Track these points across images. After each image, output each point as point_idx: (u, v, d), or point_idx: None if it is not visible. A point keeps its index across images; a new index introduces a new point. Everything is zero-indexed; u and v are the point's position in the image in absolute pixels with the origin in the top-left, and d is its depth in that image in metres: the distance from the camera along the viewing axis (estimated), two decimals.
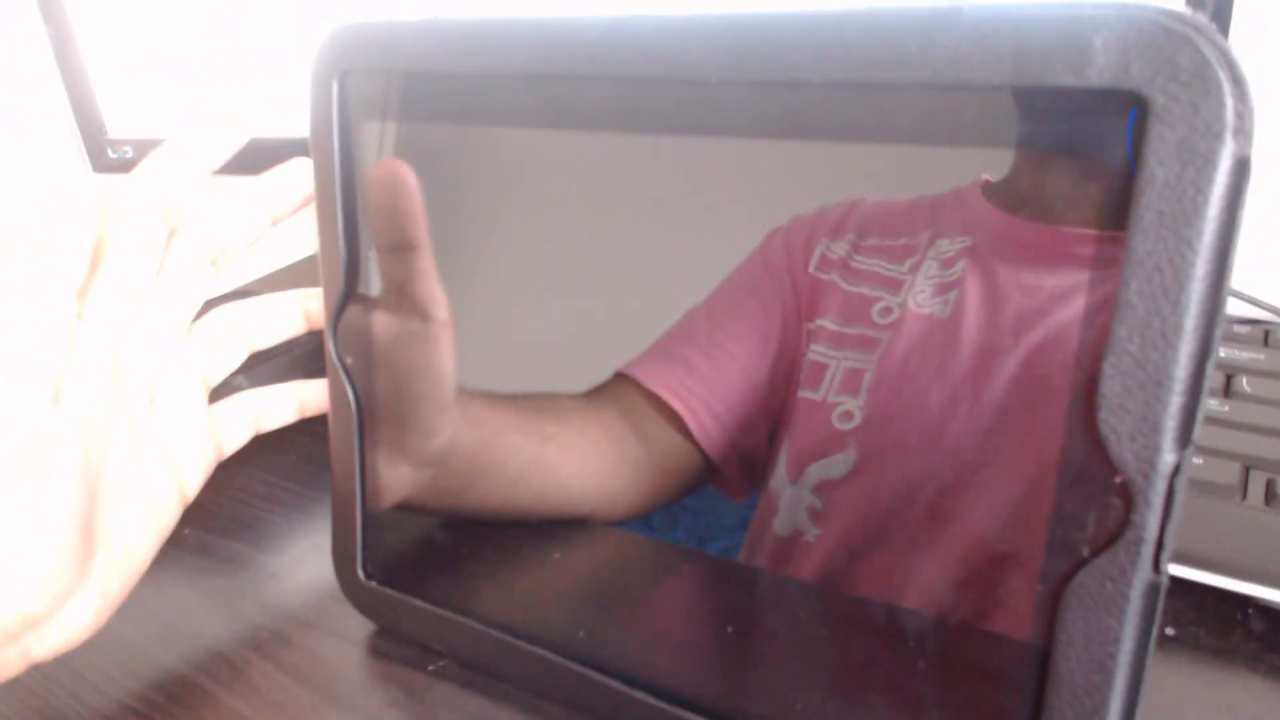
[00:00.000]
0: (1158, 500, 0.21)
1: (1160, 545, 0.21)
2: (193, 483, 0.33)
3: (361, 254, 0.31)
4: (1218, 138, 0.19)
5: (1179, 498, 0.21)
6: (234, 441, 0.35)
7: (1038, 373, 0.22)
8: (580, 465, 0.30)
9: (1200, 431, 0.21)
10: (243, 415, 0.35)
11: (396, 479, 0.32)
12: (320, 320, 0.34)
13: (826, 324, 0.25)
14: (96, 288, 0.29)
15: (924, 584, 0.25)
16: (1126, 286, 0.20)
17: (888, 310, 0.25)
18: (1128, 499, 0.21)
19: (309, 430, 0.49)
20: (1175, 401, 0.20)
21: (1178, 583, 0.34)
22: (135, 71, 0.60)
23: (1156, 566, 0.22)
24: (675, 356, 0.28)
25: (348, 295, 0.32)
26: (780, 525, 0.27)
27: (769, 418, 0.27)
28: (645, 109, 0.27)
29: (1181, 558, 0.34)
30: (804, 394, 0.26)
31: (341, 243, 0.31)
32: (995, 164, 0.23)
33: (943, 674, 0.25)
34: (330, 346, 0.33)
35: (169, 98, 0.58)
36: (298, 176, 0.33)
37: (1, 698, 0.34)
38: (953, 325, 0.24)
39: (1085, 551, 0.22)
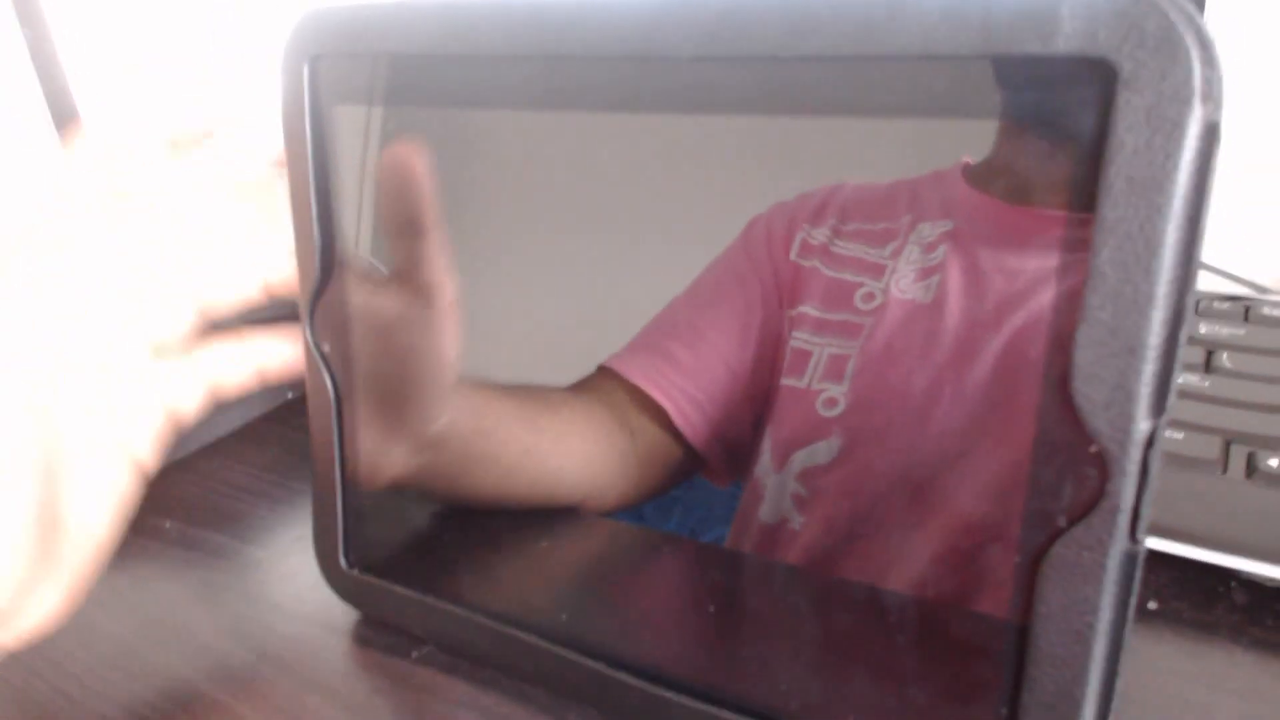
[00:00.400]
0: (1133, 468, 0.21)
1: (1137, 514, 0.21)
2: (148, 454, 0.31)
3: (337, 240, 0.31)
4: (1186, 103, 0.19)
5: (1155, 466, 0.21)
6: (189, 406, 0.33)
7: (1019, 353, 0.22)
8: (571, 456, 0.30)
9: (1175, 399, 0.21)
10: (196, 378, 0.33)
11: (390, 461, 0.31)
12: (281, 291, 0.33)
13: (809, 310, 0.25)
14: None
15: (907, 564, 0.25)
16: (1097, 254, 0.20)
17: (870, 296, 0.24)
18: (1103, 468, 0.21)
19: (291, 422, 0.50)
20: (1149, 369, 0.20)
21: (1159, 557, 0.34)
22: (114, 72, 0.60)
23: (1134, 535, 0.22)
24: (657, 348, 0.28)
25: (323, 282, 0.32)
26: (766, 513, 0.27)
27: (753, 406, 0.27)
28: (622, 88, 0.26)
29: (1163, 531, 0.34)
30: (787, 381, 0.26)
31: (315, 229, 0.31)
32: (972, 140, 0.23)
33: (924, 649, 0.25)
34: (307, 333, 0.33)
35: (150, 98, 0.57)
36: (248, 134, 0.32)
37: None
38: (935, 310, 0.24)
39: (1062, 522, 0.22)
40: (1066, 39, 0.20)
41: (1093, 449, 0.21)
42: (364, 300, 0.30)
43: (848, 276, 0.25)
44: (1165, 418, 0.21)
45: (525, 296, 0.31)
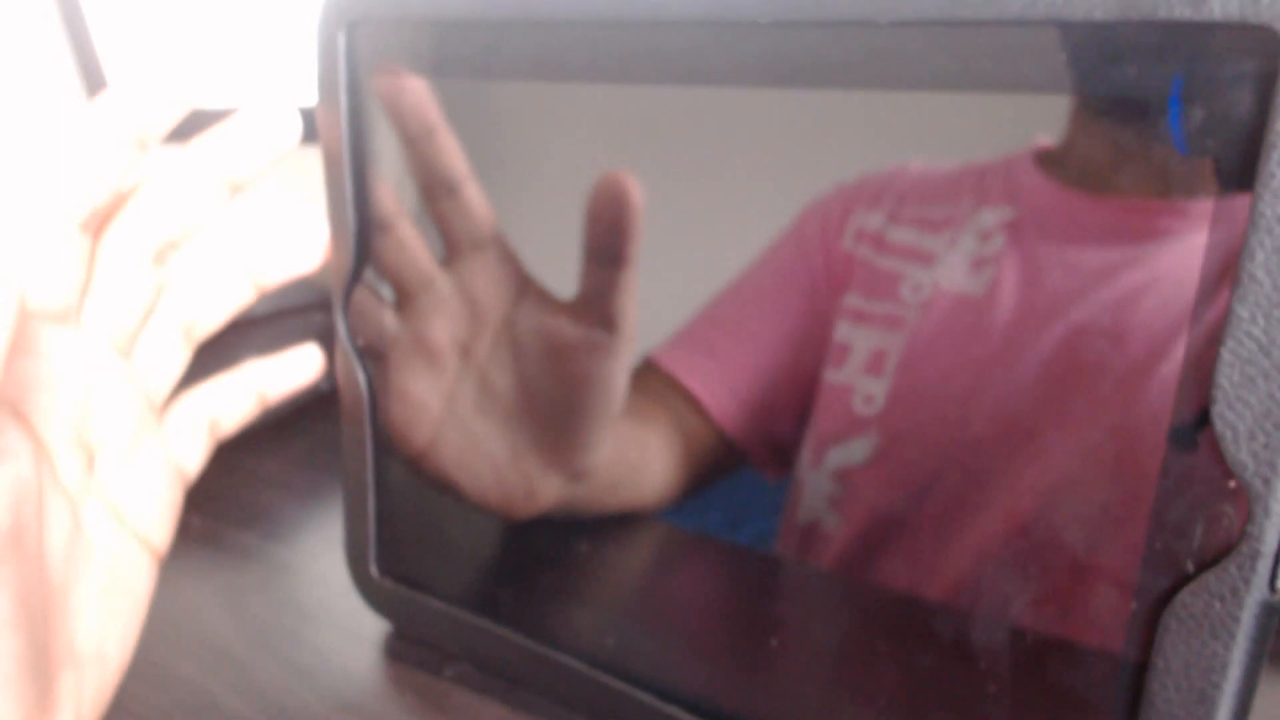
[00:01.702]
0: (1279, 509, 0.18)
1: (1278, 561, 0.18)
2: (161, 532, 0.27)
3: (373, 223, 0.29)
4: None
5: None
6: (194, 460, 0.29)
7: (1101, 357, 0.20)
8: (656, 463, 0.28)
9: None
10: (196, 425, 0.28)
11: (545, 490, 0.28)
12: (271, 283, 0.29)
13: (854, 301, 0.23)
14: None
15: (959, 580, 0.23)
16: (1251, 259, 0.17)
17: (918, 287, 0.22)
18: (1243, 507, 0.18)
19: (324, 414, 0.47)
20: None
21: None
22: (142, 39, 0.58)
23: (1273, 585, 0.19)
24: (699, 340, 0.26)
25: (359, 269, 0.30)
26: (803, 513, 0.25)
27: (797, 400, 0.25)
28: (688, 58, 0.24)
29: None
30: (828, 375, 0.24)
31: (351, 210, 0.29)
32: (1078, 119, 0.20)
33: (1007, 689, 0.23)
34: (341, 327, 0.31)
35: (178, 67, 0.56)
36: (254, 125, 0.27)
37: None
38: (988, 305, 0.21)
39: (1190, 567, 0.19)
40: (1224, 3, 0.17)
41: (1232, 484, 0.18)
42: (540, 322, 0.27)
43: (896, 265, 0.23)
44: None
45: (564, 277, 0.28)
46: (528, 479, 0.27)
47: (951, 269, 0.22)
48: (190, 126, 0.55)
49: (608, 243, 0.25)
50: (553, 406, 0.27)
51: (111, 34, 0.61)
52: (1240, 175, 0.17)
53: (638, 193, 0.24)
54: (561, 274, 0.28)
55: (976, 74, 0.20)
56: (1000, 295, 0.21)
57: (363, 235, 0.29)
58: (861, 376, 0.23)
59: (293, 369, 0.31)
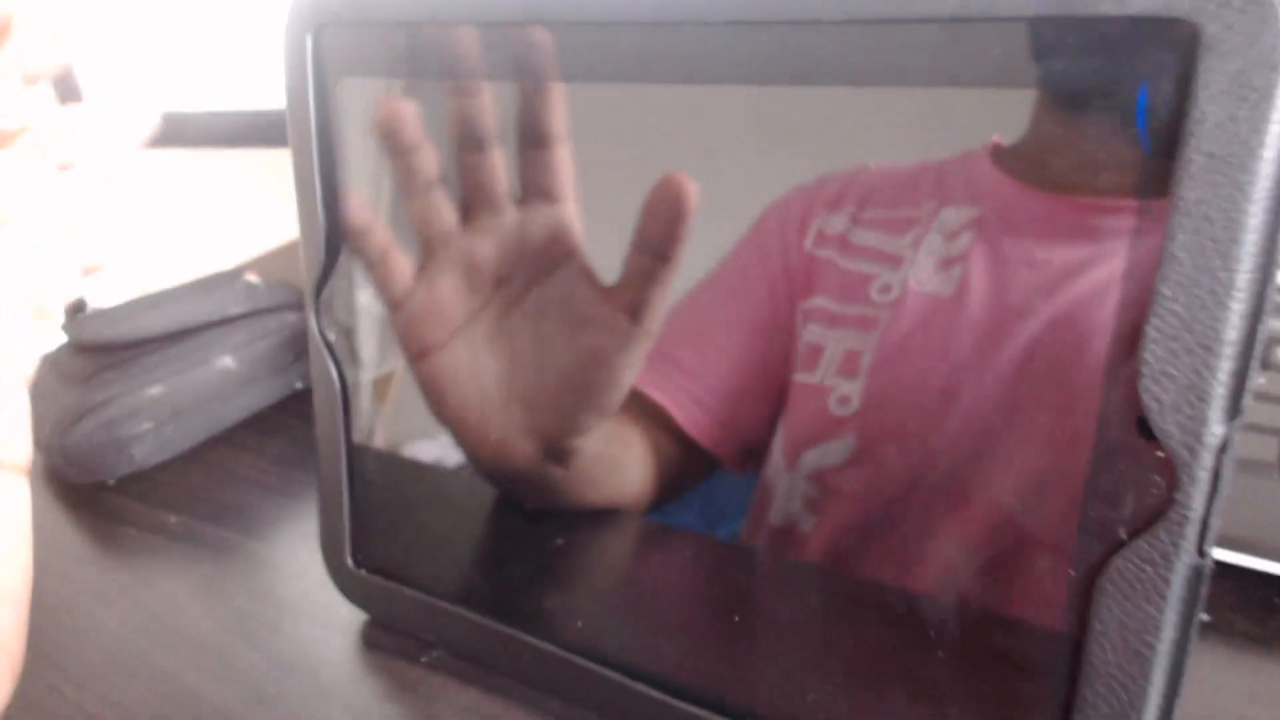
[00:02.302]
0: (1204, 476, 0.19)
1: (1205, 526, 0.20)
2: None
3: (343, 220, 0.30)
4: (1276, 70, 0.17)
5: (1227, 474, 0.19)
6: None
7: (1058, 349, 0.21)
8: (632, 465, 0.28)
9: (1249, 402, 0.19)
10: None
11: (522, 453, 0.28)
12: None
13: (822, 303, 0.24)
14: None
15: (931, 570, 0.23)
16: (1172, 239, 0.18)
17: (887, 288, 0.23)
18: (1171, 475, 0.19)
19: (300, 413, 0.48)
20: (1225, 367, 0.18)
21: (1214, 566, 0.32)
22: (113, 43, 0.59)
23: (1201, 549, 0.20)
24: (662, 351, 0.26)
25: (329, 266, 0.30)
26: (775, 515, 0.25)
27: (766, 403, 0.25)
28: (647, 56, 0.25)
29: (1217, 539, 0.32)
30: (800, 377, 0.24)
31: (320, 209, 0.29)
32: (1013, 113, 0.21)
33: (963, 663, 0.24)
34: (312, 322, 0.31)
35: (147, 70, 0.56)
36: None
37: None
38: (957, 304, 0.22)
39: (1122, 533, 0.20)
40: None
41: (1160, 455, 0.19)
42: (571, 293, 0.27)
43: (864, 267, 0.23)
44: (1239, 421, 0.19)
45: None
46: (510, 432, 0.27)
47: (920, 269, 0.22)
48: (170, 131, 0.56)
49: (657, 237, 0.25)
50: (561, 376, 0.26)
51: (87, 41, 0.61)
52: (1154, 168, 0.19)
53: (695, 198, 0.24)
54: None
55: (926, 70, 0.21)
56: (970, 293, 0.22)
57: (332, 233, 0.30)
58: (836, 378, 0.24)
59: None
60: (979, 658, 0.23)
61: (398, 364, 0.31)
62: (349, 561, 0.33)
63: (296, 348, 0.48)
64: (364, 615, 0.34)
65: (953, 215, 0.22)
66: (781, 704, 0.26)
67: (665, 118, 0.25)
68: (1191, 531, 0.19)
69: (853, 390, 0.24)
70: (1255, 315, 0.18)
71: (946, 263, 0.22)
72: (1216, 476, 0.19)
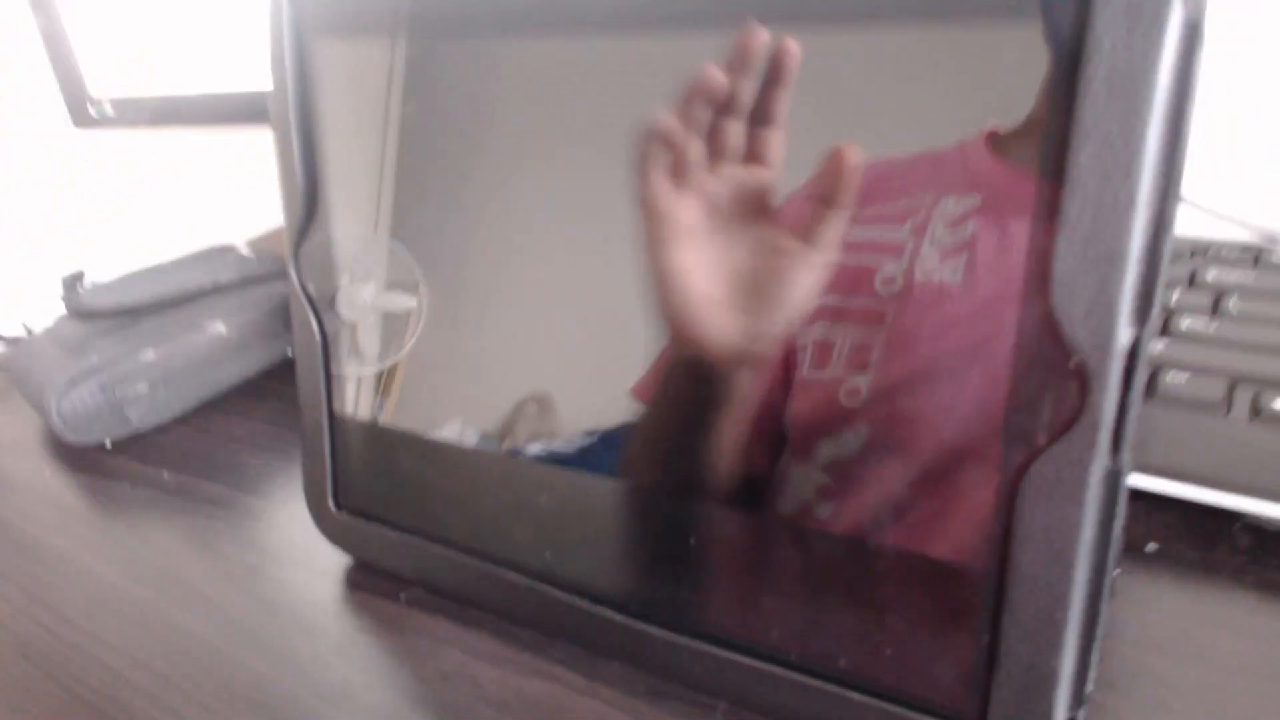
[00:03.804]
0: (1114, 381, 0.20)
1: (1120, 429, 0.21)
2: None
3: (321, 177, 0.31)
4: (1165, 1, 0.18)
5: (1138, 379, 0.20)
6: None
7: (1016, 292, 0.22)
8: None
9: (1158, 311, 0.20)
10: None
11: (722, 361, 0.27)
12: None
13: (826, 301, 0.25)
14: None
15: (894, 496, 0.25)
16: (1075, 159, 0.20)
17: (890, 280, 0.24)
18: (1084, 382, 0.21)
19: (291, 378, 0.49)
20: (1130, 275, 0.20)
21: (1161, 499, 0.34)
22: (112, 28, 0.60)
23: (1116, 451, 0.21)
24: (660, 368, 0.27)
25: (308, 220, 0.32)
26: (786, 504, 0.26)
27: (770, 404, 0.26)
28: (640, 5, 0.26)
29: (1165, 472, 0.33)
30: (811, 373, 0.25)
31: (299, 165, 0.31)
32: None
33: (901, 579, 0.25)
34: (293, 273, 0.33)
35: (145, 54, 0.58)
36: None
37: None
38: (964, 292, 0.23)
39: (1041, 440, 0.21)
40: None
41: (1072, 363, 0.21)
42: (769, 229, 0.26)
43: (865, 261, 0.24)
44: (1149, 329, 0.20)
45: (536, 249, 0.30)
46: (718, 328, 0.26)
47: (925, 259, 0.23)
48: (165, 110, 0.57)
49: (830, 191, 0.24)
50: (759, 290, 0.26)
51: (84, 23, 0.62)
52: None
53: (860, 162, 0.24)
54: (509, 230, 0.30)
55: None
56: (977, 280, 0.22)
57: (310, 190, 0.31)
58: (845, 371, 0.25)
59: None
60: (917, 574, 0.25)
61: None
62: (331, 504, 0.34)
63: (288, 316, 0.49)
64: (347, 559, 0.35)
65: (954, 204, 0.23)
66: (733, 621, 0.27)
67: (665, 69, 0.26)
68: (1104, 435, 0.21)
69: (862, 382, 0.24)
70: (1158, 228, 0.20)
71: (951, 251, 0.23)
72: (1128, 381, 0.20)
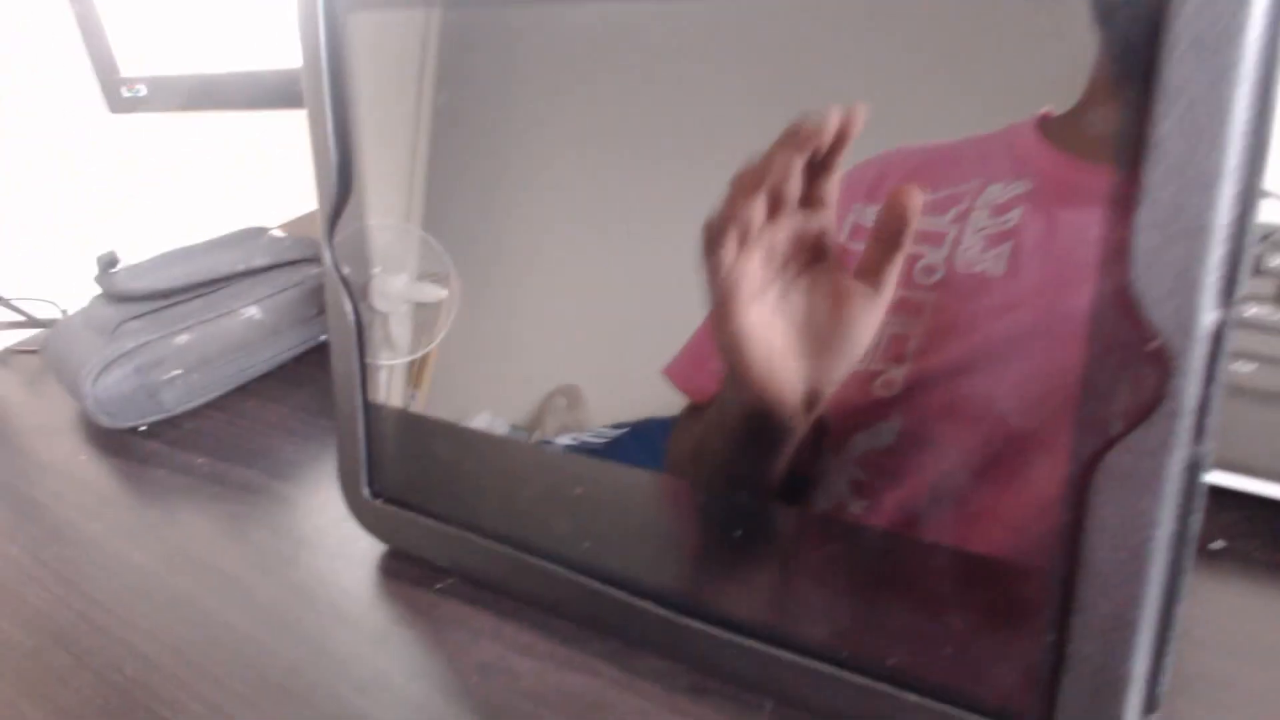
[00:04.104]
0: (1197, 364, 0.19)
1: (1202, 417, 0.19)
2: None
3: (355, 155, 0.30)
4: None
5: (1222, 363, 0.19)
6: None
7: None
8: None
9: (1244, 289, 0.19)
10: None
11: (786, 406, 0.27)
12: None
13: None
14: None
15: (942, 489, 0.23)
16: (1157, 126, 0.18)
17: (931, 269, 0.23)
18: (1164, 366, 0.19)
19: (323, 364, 0.49)
20: (1216, 251, 0.18)
21: (1229, 494, 0.32)
22: (145, 10, 0.60)
23: (1198, 440, 0.20)
24: (701, 350, 0.26)
25: (342, 201, 0.31)
26: (821, 499, 0.25)
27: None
28: None
29: (1231, 466, 0.31)
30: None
31: (332, 143, 0.30)
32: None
33: (966, 574, 0.24)
34: (327, 256, 0.32)
35: (178, 36, 0.57)
36: None
37: (9, 615, 0.33)
38: (1009, 280, 0.22)
39: (1117, 428, 0.20)
40: None
41: (1152, 346, 0.19)
42: (830, 274, 0.25)
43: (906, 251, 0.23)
44: (1234, 310, 0.19)
45: (574, 221, 0.29)
46: (783, 379, 0.26)
47: (966, 249, 0.22)
48: (199, 93, 0.57)
49: (892, 232, 0.24)
50: (823, 336, 0.26)
51: (119, 14, 0.62)
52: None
53: (919, 206, 0.23)
54: (548, 208, 0.29)
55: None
56: (1022, 270, 0.21)
57: (344, 168, 0.31)
58: (882, 361, 0.24)
59: None
60: (982, 570, 0.23)
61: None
62: (365, 492, 0.34)
63: (320, 300, 0.49)
64: (380, 547, 0.35)
65: (999, 190, 0.22)
66: (782, 617, 0.26)
67: (716, 37, 0.25)
68: (1185, 422, 0.19)
69: (898, 373, 0.24)
70: (1245, 200, 0.18)
71: (995, 239, 0.22)
72: (1212, 364, 0.19)
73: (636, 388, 0.28)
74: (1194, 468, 0.20)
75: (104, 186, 0.77)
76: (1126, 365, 0.20)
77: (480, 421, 0.31)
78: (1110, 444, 0.20)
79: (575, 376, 0.29)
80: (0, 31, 0.73)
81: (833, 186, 0.25)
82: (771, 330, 0.25)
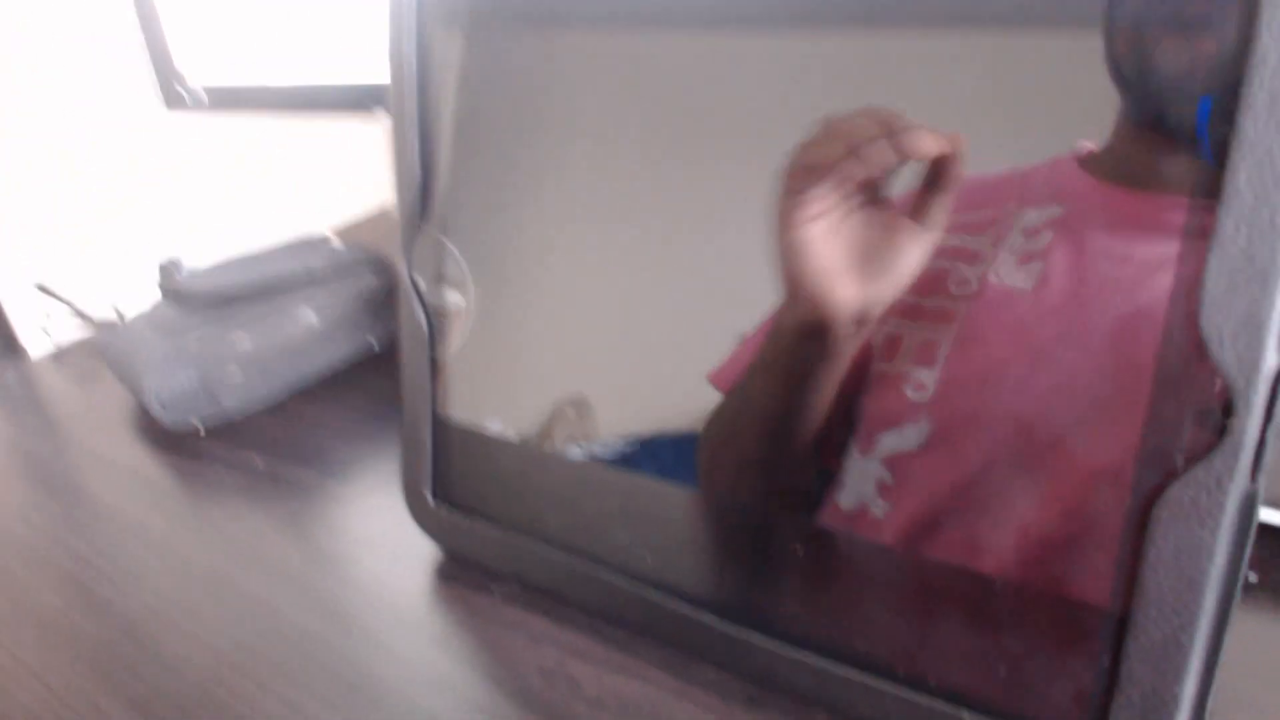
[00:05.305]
0: (1259, 404, 0.20)
1: (1260, 453, 0.20)
2: None
3: (437, 171, 0.31)
4: None
5: None
6: None
7: (1136, 336, 0.22)
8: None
9: None
10: None
11: (841, 316, 0.27)
12: None
13: (902, 298, 0.25)
14: None
15: (1008, 530, 0.24)
16: (1234, 174, 0.19)
17: (964, 281, 0.24)
18: (1227, 404, 0.20)
19: (381, 370, 0.50)
20: None
21: (1262, 528, 0.33)
22: (205, 12, 0.61)
23: (1254, 476, 0.21)
24: (743, 350, 0.28)
25: (423, 215, 0.32)
26: (845, 499, 0.26)
27: (842, 397, 0.27)
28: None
29: (1266, 500, 0.32)
30: (878, 366, 0.26)
31: (417, 159, 0.31)
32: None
33: (1023, 598, 0.25)
34: (404, 269, 0.33)
35: (237, 38, 0.59)
36: None
37: (79, 607, 0.34)
38: (1037, 297, 0.23)
39: (1180, 462, 0.21)
40: None
41: (1217, 385, 0.20)
42: (886, 211, 0.27)
43: (942, 264, 0.25)
44: None
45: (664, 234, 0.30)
46: (841, 292, 0.27)
47: (1000, 265, 0.24)
48: (259, 101, 0.58)
49: (939, 177, 0.25)
50: (877, 259, 0.27)
51: (179, 16, 0.63)
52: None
53: (965, 147, 0.25)
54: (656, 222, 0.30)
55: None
56: (1050, 286, 0.23)
57: (428, 182, 0.32)
58: (912, 365, 0.25)
59: None
60: (1039, 594, 0.24)
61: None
62: (429, 497, 0.35)
63: (375, 309, 0.50)
64: (438, 552, 0.36)
65: (1035, 215, 0.23)
66: (839, 633, 0.27)
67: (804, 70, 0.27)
68: (1246, 458, 0.20)
69: (928, 378, 0.25)
70: None
71: (1027, 258, 0.23)
72: (1271, 405, 0.20)
73: (692, 396, 0.29)
74: (1250, 500, 0.21)
75: (156, 190, 0.78)
76: (1192, 402, 0.21)
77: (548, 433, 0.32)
78: (1171, 477, 0.21)
79: (628, 385, 0.30)
80: (59, 28, 0.75)
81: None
82: (828, 246, 0.26)
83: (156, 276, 0.49)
